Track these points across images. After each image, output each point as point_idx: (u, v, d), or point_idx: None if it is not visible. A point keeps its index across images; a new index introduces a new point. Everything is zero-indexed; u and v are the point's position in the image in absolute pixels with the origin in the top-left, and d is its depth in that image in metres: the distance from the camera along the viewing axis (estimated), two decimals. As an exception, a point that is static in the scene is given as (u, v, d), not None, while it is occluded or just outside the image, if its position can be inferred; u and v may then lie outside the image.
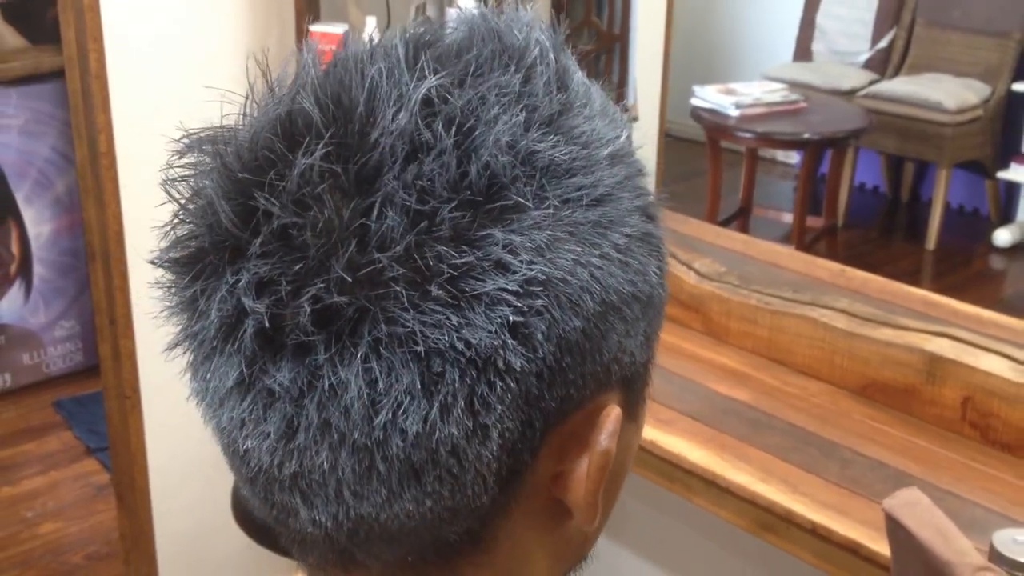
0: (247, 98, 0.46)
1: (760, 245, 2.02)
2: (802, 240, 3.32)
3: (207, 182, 0.43)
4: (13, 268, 3.27)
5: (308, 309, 0.39)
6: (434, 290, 0.40)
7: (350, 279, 0.39)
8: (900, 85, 3.97)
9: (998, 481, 1.41)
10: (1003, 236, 3.82)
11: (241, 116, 0.45)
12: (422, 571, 0.46)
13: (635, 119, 2.11)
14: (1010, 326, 1.61)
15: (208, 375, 0.43)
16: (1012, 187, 3.91)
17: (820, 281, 1.81)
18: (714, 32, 4.59)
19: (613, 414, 0.46)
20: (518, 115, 0.42)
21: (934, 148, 3.84)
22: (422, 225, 0.40)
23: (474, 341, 0.40)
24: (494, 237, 0.40)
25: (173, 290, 0.44)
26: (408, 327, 0.39)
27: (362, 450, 0.41)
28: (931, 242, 3.81)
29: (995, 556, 1.11)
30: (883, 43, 4.20)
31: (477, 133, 0.41)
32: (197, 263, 0.43)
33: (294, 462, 0.42)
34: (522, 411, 0.42)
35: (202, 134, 0.45)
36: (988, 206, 4.00)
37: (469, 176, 0.40)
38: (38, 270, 3.30)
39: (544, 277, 0.41)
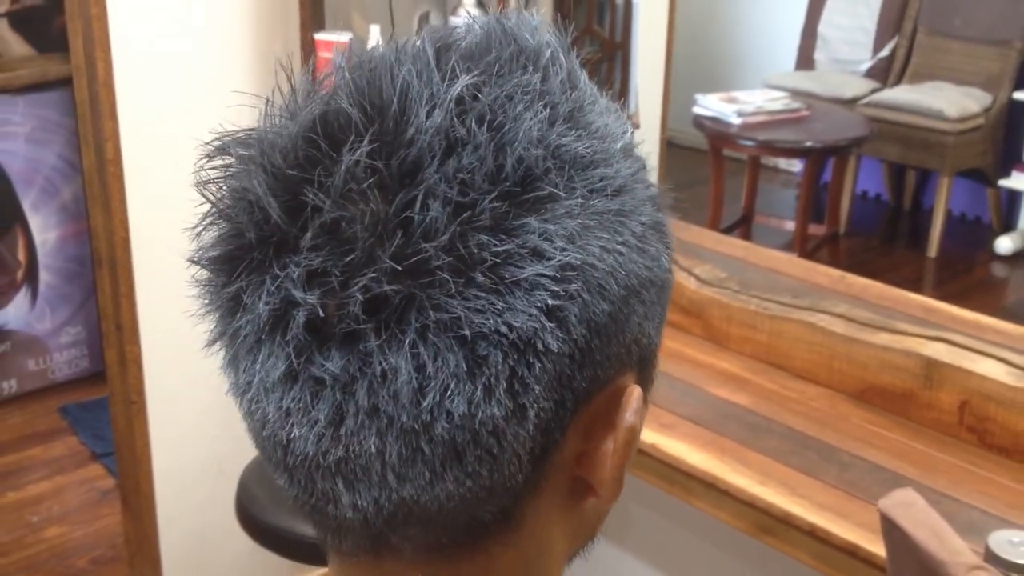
0: (268, 101, 0.47)
1: (760, 251, 2.04)
2: (804, 248, 3.33)
3: (253, 181, 0.44)
4: (19, 275, 3.29)
5: (360, 298, 0.41)
6: (478, 277, 0.42)
7: (399, 268, 0.41)
8: (902, 93, 3.98)
9: (994, 484, 1.42)
10: (1005, 244, 3.82)
11: (274, 118, 0.46)
12: (453, 552, 0.48)
13: (636, 127, 2.13)
14: (1007, 331, 1.62)
15: (252, 368, 0.44)
16: (1014, 195, 3.92)
17: (820, 287, 1.82)
18: (716, 41, 4.61)
19: (636, 392, 0.48)
20: (542, 112, 0.45)
21: (936, 156, 3.85)
22: (464, 215, 0.42)
23: (516, 324, 0.42)
24: (530, 225, 0.43)
25: (213, 287, 0.46)
26: (454, 313, 0.42)
27: (409, 433, 0.43)
28: (933, 250, 3.82)
29: (991, 557, 1.12)
30: (885, 52, 4.21)
31: (506, 128, 0.43)
32: (241, 259, 0.44)
33: (341, 448, 0.43)
34: (556, 391, 0.45)
35: (234, 136, 0.46)
36: (990, 214, 4.00)
37: (505, 169, 0.43)
38: (44, 277, 3.32)
39: (577, 263, 0.44)
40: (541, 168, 0.44)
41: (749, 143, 3.49)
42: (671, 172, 2.63)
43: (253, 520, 1.82)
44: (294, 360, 0.43)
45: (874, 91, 4.06)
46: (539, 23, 0.49)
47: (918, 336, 1.58)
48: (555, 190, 0.44)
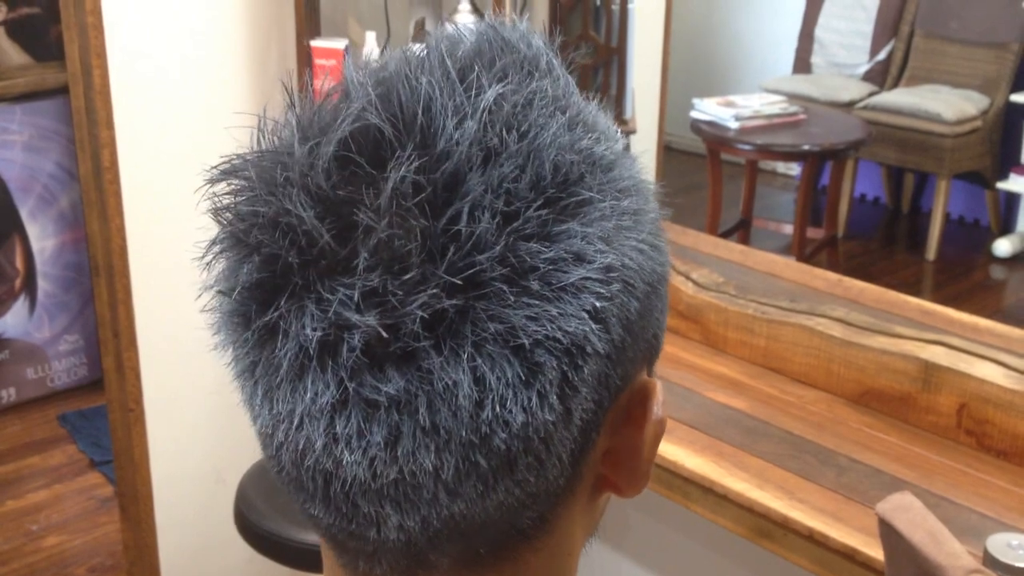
0: (285, 121, 0.46)
1: (758, 255, 2.04)
2: (802, 251, 3.33)
3: (295, 204, 0.42)
4: (17, 283, 3.29)
5: (419, 316, 0.41)
6: (532, 284, 0.42)
7: (458, 283, 0.41)
8: (899, 97, 3.99)
9: (993, 487, 1.42)
10: (1003, 246, 3.82)
11: (289, 137, 0.45)
12: (487, 562, 0.48)
13: (632, 132, 2.13)
14: (1005, 334, 1.62)
15: (294, 397, 0.43)
16: (1012, 197, 3.92)
17: (817, 291, 1.82)
18: (713, 45, 4.61)
19: (658, 385, 0.50)
20: (560, 117, 0.45)
21: (933, 159, 3.85)
22: (514, 225, 0.42)
23: (569, 329, 0.43)
24: (573, 230, 0.43)
25: (242, 318, 0.44)
26: (509, 322, 0.42)
27: (467, 447, 0.42)
28: (931, 253, 3.82)
29: (989, 561, 1.12)
30: (882, 55, 4.22)
31: (532, 135, 0.44)
32: (280, 286, 0.43)
33: (395, 470, 0.42)
34: (596, 392, 0.45)
35: (250, 158, 0.45)
36: (988, 217, 4.00)
37: (545, 175, 0.43)
38: (42, 285, 3.32)
39: (617, 264, 0.45)
40: (576, 173, 0.44)
41: (747, 147, 3.49)
42: (668, 177, 2.63)
43: (252, 528, 1.82)
44: (348, 384, 0.42)
45: (871, 94, 4.07)
46: (527, 28, 0.49)
47: (916, 339, 1.58)
48: (592, 193, 0.44)
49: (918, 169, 4.07)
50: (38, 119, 3.21)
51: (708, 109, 3.45)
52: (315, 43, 2.04)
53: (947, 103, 3.82)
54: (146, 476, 2.19)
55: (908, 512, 1.07)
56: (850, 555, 1.32)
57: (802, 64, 4.41)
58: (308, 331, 0.41)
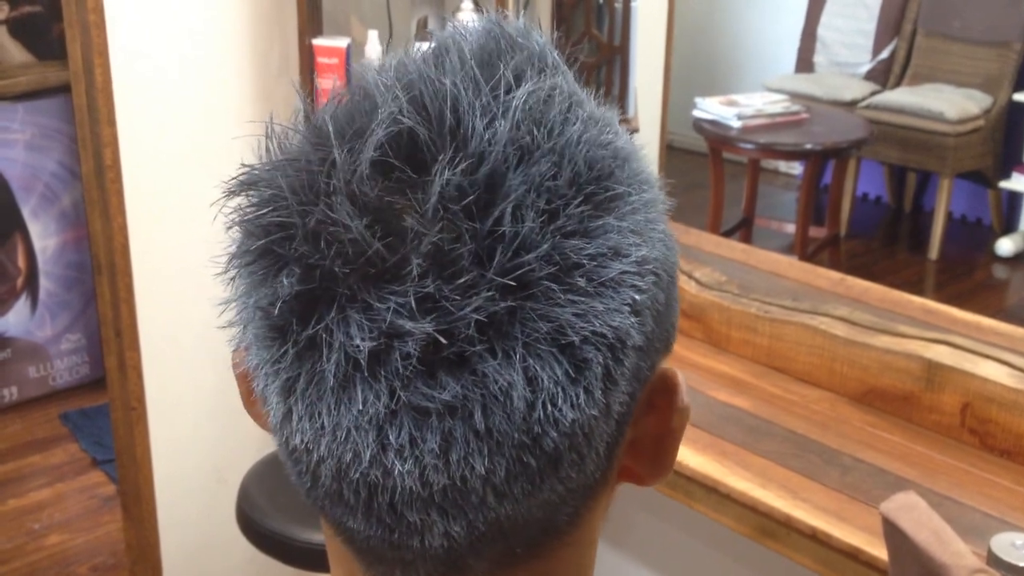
0: (267, 130, 0.46)
1: (760, 254, 2.03)
2: (805, 250, 3.33)
3: (342, 212, 0.41)
4: (20, 282, 3.29)
5: (473, 319, 0.40)
6: (579, 282, 0.42)
7: (512, 284, 0.41)
8: (901, 96, 3.99)
9: (997, 486, 1.42)
10: (1006, 245, 3.82)
11: (340, 146, 0.43)
12: (523, 561, 0.47)
13: (635, 131, 2.13)
14: (1009, 333, 1.61)
15: (339, 410, 0.42)
16: (1014, 197, 3.92)
17: (820, 290, 1.82)
18: (716, 44, 4.61)
19: (679, 374, 0.50)
20: (580, 112, 0.45)
21: (936, 158, 3.85)
22: (558, 223, 0.42)
23: (613, 324, 0.43)
24: (609, 225, 0.43)
25: (280, 334, 0.43)
26: (557, 320, 0.41)
27: (519, 448, 0.42)
28: (934, 252, 3.82)
29: (993, 560, 1.11)
30: (884, 54, 4.21)
31: (558, 132, 0.44)
32: (322, 298, 0.42)
33: (446, 476, 0.42)
34: (631, 384, 0.46)
35: (264, 169, 0.44)
36: (990, 216, 4.00)
37: (581, 172, 0.43)
38: (44, 284, 3.32)
39: (651, 256, 0.45)
40: (608, 168, 0.44)
41: (749, 146, 3.48)
42: (671, 175, 2.62)
43: (254, 526, 1.82)
44: (400, 393, 0.41)
45: (874, 93, 4.06)
46: (529, 25, 0.49)
47: (919, 339, 1.58)
48: (624, 187, 0.45)
49: (920, 168, 4.07)
50: (40, 118, 3.21)
51: (710, 108, 3.45)
52: (317, 42, 2.04)
53: (950, 102, 3.82)
54: (148, 475, 2.19)
55: (912, 511, 1.07)
56: (854, 554, 1.31)
57: (804, 63, 4.40)
58: (357, 341, 0.41)
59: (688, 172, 3.76)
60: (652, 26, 2.22)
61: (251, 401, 0.51)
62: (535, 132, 0.43)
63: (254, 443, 2.25)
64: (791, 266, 2.00)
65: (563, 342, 0.42)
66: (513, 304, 0.41)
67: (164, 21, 2.02)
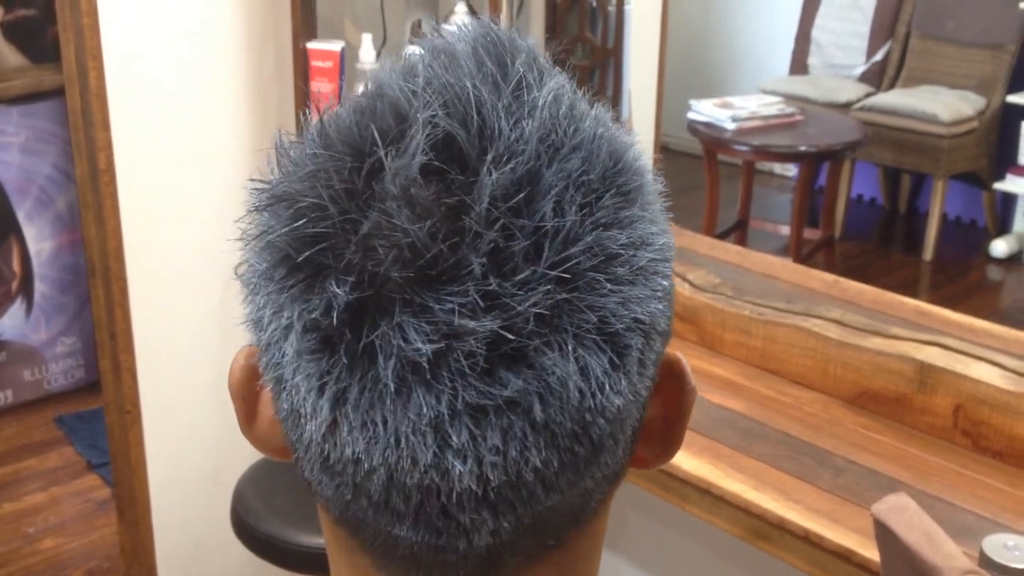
0: (278, 141, 0.46)
1: (754, 257, 2.04)
2: (799, 252, 3.33)
3: (401, 217, 0.41)
4: (14, 285, 3.29)
5: (531, 314, 0.41)
6: (619, 271, 0.43)
7: (566, 276, 0.42)
8: (896, 97, 3.99)
9: (989, 488, 1.42)
10: (1000, 247, 3.82)
11: (387, 153, 0.43)
12: (550, 553, 0.48)
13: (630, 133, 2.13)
14: (1001, 335, 1.62)
15: (396, 415, 0.42)
16: (1008, 198, 3.93)
17: (814, 292, 1.82)
18: (710, 46, 4.61)
19: (683, 357, 0.51)
20: (587, 108, 0.46)
21: (930, 160, 3.85)
22: (596, 216, 0.43)
23: (649, 310, 0.44)
24: (636, 215, 0.44)
25: (326, 348, 0.42)
26: (604, 310, 0.42)
27: (570, 438, 0.43)
28: (928, 253, 3.82)
29: (985, 561, 1.12)
30: (878, 56, 4.22)
31: (576, 129, 0.44)
32: (373, 305, 0.41)
33: (503, 473, 0.42)
34: (652, 368, 0.47)
35: (292, 181, 0.44)
36: (985, 217, 4.01)
37: (608, 165, 0.44)
38: (39, 287, 3.32)
39: (667, 244, 0.46)
40: (627, 160, 0.45)
41: (744, 148, 3.49)
42: (666, 177, 2.63)
43: (249, 529, 1.82)
44: (462, 393, 0.41)
45: (868, 95, 4.07)
46: (516, 28, 0.49)
47: (912, 340, 1.58)
48: (643, 179, 0.46)
49: (915, 170, 4.07)
50: (35, 121, 3.21)
51: (705, 110, 3.46)
52: (311, 45, 2.04)
53: (944, 104, 3.83)
54: (143, 478, 2.19)
55: (904, 513, 1.08)
56: (846, 556, 1.32)
57: (799, 65, 4.41)
58: (418, 344, 0.40)
59: (683, 174, 3.76)
60: (646, 29, 2.23)
61: (250, 423, 0.51)
62: (558, 130, 0.44)
63: (249, 446, 2.25)
64: (784, 268, 2.00)
65: (608, 331, 0.43)
66: (565, 296, 0.42)
67: (158, 25, 2.02)
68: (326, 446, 0.43)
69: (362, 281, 0.41)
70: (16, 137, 3.19)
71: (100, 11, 1.92)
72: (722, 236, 3.31)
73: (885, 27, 4.20)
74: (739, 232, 3.53)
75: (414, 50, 0.47)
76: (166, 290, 2.15)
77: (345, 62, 2.06)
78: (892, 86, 4.14)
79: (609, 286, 0.43)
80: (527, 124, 0.43)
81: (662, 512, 1.74)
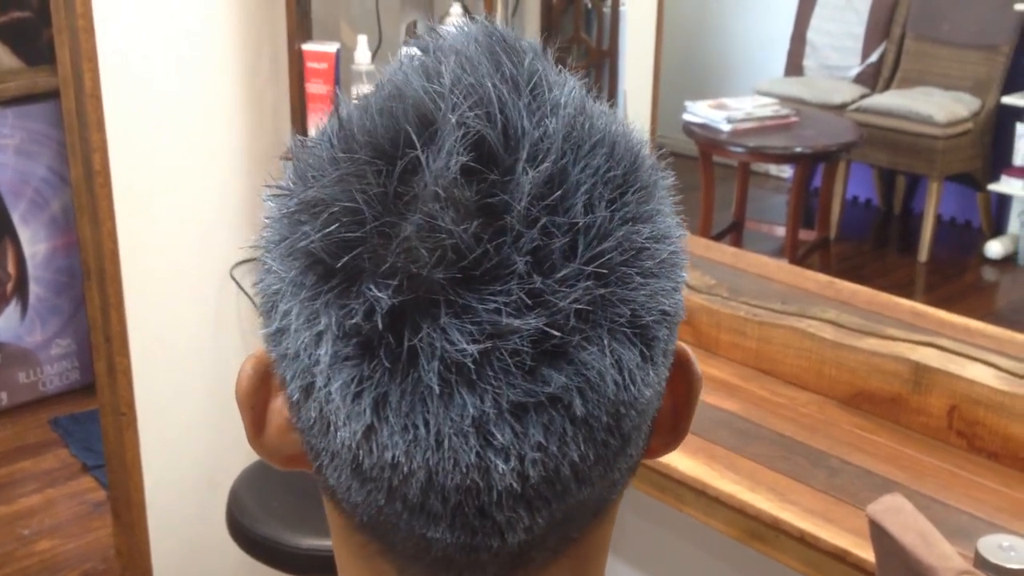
0: (295, 148, 0.45)
1: (750, 258, 2.04)
2: (795, 253, 3.34)
3: (446, 218, 0.41)
4: (9, 287, 3.28)
5: (572, 310, 0.41)
6: (647, 264, 0.44)
7: (603, 271, 0.42)
8: (891, 99, 4.00)
9: (984, 488, 1.43)
10: (995, 248, 3.83)
11: (424, 153, 0.42)
12: (571, 546, 0.48)
13: (625, 134, 2.13)
14: (996, 335, 1.62)
15: (438, 418, 0.41)
16: (1003, 199, 3.93)
17: (809, 293, 1.83)
18: (705, 48, 4.62)
19: (688, 347, 0.51)
20: (597, 105, 0.46)
21: (925, 161, 3.86)
22: (622, 211, 0.43)
23: (673, 302, 0.45)
24: (655, 209, 0.45)
25: (364, 353, 0.42)
26: (634, 303, 0.43)
27: (605, 431, 0.43)
28: (923, 254, 3.83)
29: (980, 562, 1.12)
30: (873, 57, 4.23)
31: (591, 125, 0.45)
32: (414, 308, 0.41)
33: (542, 468, 0.42)
34: (672, 357, 0.48)
35: (322, 187, 0.43)
36: (980, 218, 4.01)
37: (629, 161, 0.45)
38: (34, 289, 3.31)
39: (681, 236, 0.47)
40: (642, 155, 0.46)
41: (739, 149, 3.49)
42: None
43: (244, 531, 1.82)
44: (506, 392, 0.41)
45: (863, 96, 4.08)
46: (515, 28, 0.49)
47: (907, 341, 1.58)
48: (658, 174, 0.46)
49: (910, 171, 4.08)
50: (29, 123, 3.21)
51: (700, 111, 3.46)
52: (307, 47, 2.04)
53: (938, 105, 3.83)
54: (138, 480, 2.19)
55: (899, 513, 1.08)
56: (841, 556, 1.32)
57: (794, 66, 4.42)
58: (463, 345, 0.40)
59: (678, 175, 3.73)
60: (641, 30, 2.23)
61: (259, 432, 0.51)
62: (577, 127, 0.44)
63: (245, 447, 2.24)
64: (780, 269, 2.00)
65: (639, 324, 0.43)
66: (602, 292, 0.42)
67: (153, 26, 2.02)
68: (360, 452, 0.43)
69: (404, 284, 0.41)
70: (11, 139, 3.18)
71: (95, 13, 1.92)
72: (717, 237, 3.31)
73: (880, 28, 4.21)
74: (734, 233, 3.53)
75: (412, 51, 0.47)
76: (161, 292, 2.15)
77: (340, 63, 2.06)
78: (887, 87, 4.15)
79: (639, 280, 0.43)
80: (550, 122, 0.43)
81: (658, 513, 1.74)
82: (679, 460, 1.51)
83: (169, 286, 2.16)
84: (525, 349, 0.41)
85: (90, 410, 3.13)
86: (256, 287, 0.47)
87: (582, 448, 0.43)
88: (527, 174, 0.41)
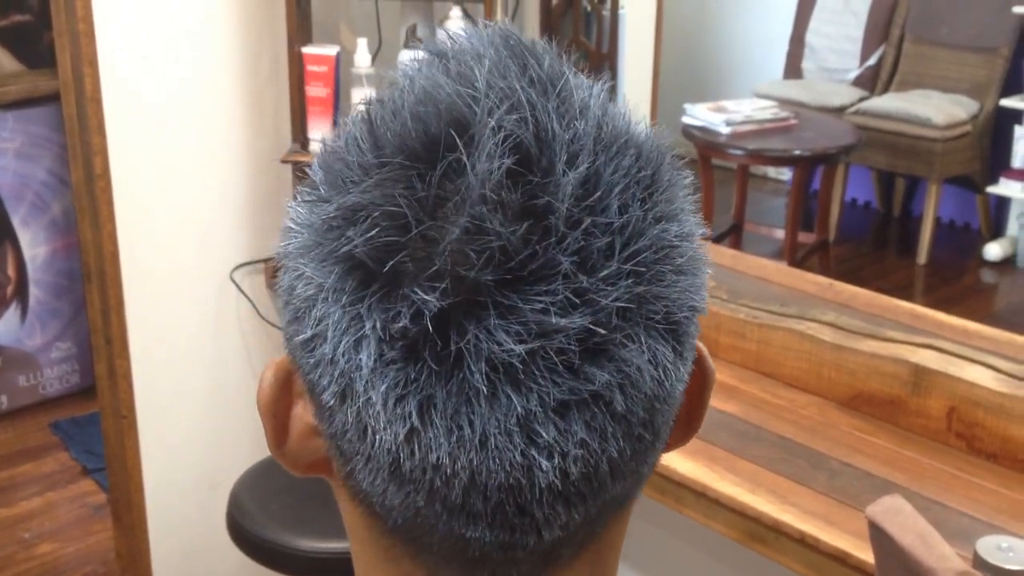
0: (325, 154, 0.46)
1: (749, 260, 2.04)
2: (794, 256, 3.34)
3: (494, 221, 0.41)
4: (9, 290, 3.29)
5: (614, 308, 0.42)
6: (678, 262, 0.45)
7: (640, 270, 0.43)
8: (889, 101, 4.00)
9: (983, 490, 1.43)
10: (993, 250, 3.84)
11: (468, 155, 0.42)
12: (597, 540, 0.49)
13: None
14: (995, 337, 1.62)
15: (484, 419, 0.42)
16: (1002, 202, 3.94)
17: (808, 295, 1.83)
18: (704, 50, 4.63)
19: (700, 342, 0.51)
20: (613, 106, 0.47)
21: (924, 163, 3.86)
22: (654, 210, 0.44)
23: (700, 297, 0.46)
24: (679, 207, 0.46)
25: (410, 356, 0.42)
26: (668, 300, 0.44)
27: (641, 426, 0.44)
28: (923, 256, 3.83)
29: (979, 563, 1.12)
30: (872, 60, 4.23)
31: (613, 127, 0.45)
32: (461, 310, 0.41)
33: (582, 465, 0.43)
34: (694, 352, 0.48)
35: (364, 191, 0.43)
36: (978, 220, 4.02)
37: (653, 161, 0.45)
38: (34, 292, 3.32)
39: (705, 233, 0.48)
40: (664, 155, 0.46)
41: (738, 152, 3.50)
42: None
43: (245, 534, 1.82)
44: (551, 391, 0.41)
45: (862, 99, 4.08)
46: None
47: (906, 343, 1.59)
48: (680, 173, 0.47)
49: (909, 174, 4.08)
50: (30, 126, 3.21)
51: (699, 114, 3.47)
52: (307, 50, 2.05)
53: (937, 108, 3.84)
54: (139, 483, 2.19)
55: (898, 515, 1.08)
56: (842, 558, 1.32)
57: (793, 69, 4.42)
58: (511, 345, 0.41)
59: (677, 178, 3.77)
60: (640, 33, 2.23)
61: (282, 441, 0.50)
62: (604, 128, 0.44)
63: (245, 450, 2.25)
64: (779, 271, 2.01)
65: (672, 320, 0.44)
66: (640, 289, 0.43)
67: (153, 30, 2.03)
68: (401, 454, 0.43)
69: (450, 286, 0.41)
70: (11, 143, 3.19)
71: (96, 17, 1.92)
72: (717, 240, 3.32)
73: (879, 31, 4.21)
74: (734, 236, 3.54)
75: (419, 54, 0.47)
76: (161, 294, 2.15)
77: (340, 66, 2.06)
78: (886, 90, 4.15)
79: (672, 277, 0.44)
80: (579, 124, 0.43)
81: (658, 515, 1.74)
82: (679, 462, 1.51)
83: (169, 288, 2.16)
84: (572, 347, 0.41)
85: (90, 413, 3.13)
86: (283, 293, 0.46)
87: (620, 443, 0.43)
88: (566, 175, 0.42)
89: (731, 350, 1.78)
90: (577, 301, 0.41)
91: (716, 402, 1.65)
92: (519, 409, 0.41)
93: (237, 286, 2.24)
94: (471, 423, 0.42)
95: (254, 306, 2.26)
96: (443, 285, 0.41)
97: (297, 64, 2.05)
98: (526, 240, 0.41)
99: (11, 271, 3.27)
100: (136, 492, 2.19)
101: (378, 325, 0.42)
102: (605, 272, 0.42)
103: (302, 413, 0.49)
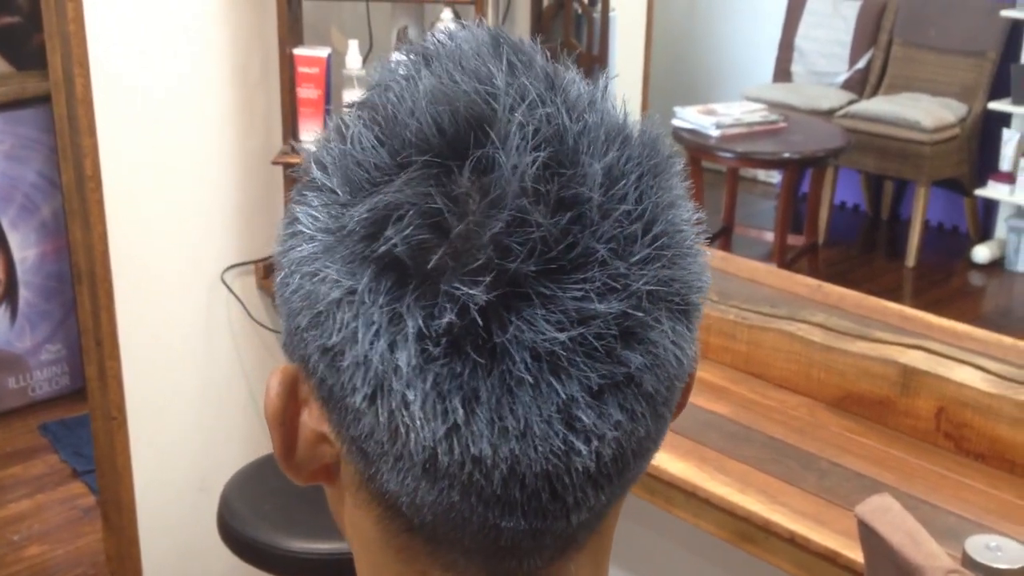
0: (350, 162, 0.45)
1: (739, 262, 2.05)
2: (783, 258, 3.35)
3: (536, 214, 0.42)
4: (-1, 292, 3.28)
5: (645, 291, 0.43)
6: (689, 245, 0.46)
7: (663, 254, 0.44)
8: (878, 105, 4.02)
9: (971, 490, 1.44)
10: (982, 253, 3.85)
11: (505, 151, 0.43)
12: (603, 521, 0.49)
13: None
14: (984, 339, 1.63)
15: (527, 408, 0.42)
16: (990, 204, 3.96)
17: (798, 297, 1.83)
18: (694, 53, 4.63)
19: None
20: (608, 99, 0.48)
21: (912, 166, 3.88)
22: (665, 197, 0.45)
23: (707, 278, 0.47)
24: (680, 194, 0.47)
25: (454, 352, 0.42)
26: (682, 281, 0.45)
27: (663, 404, 0.46)
28: (911, 259, 3.85)
29: (968, 562, 1.13)
30: (861, 63, 4.25)
31: (613, 117, 0.46)
32: (502, 303, 0.41)
33: (616, 447, 0.44)
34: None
35: (398, 191, 0.43)
36: (967, 223, 4.03)
37: (657, 149, 0.46)
38: (24, 294, 3.31)
39: (700, 216, 0.49)
40: (662, 143, 0.47)
41: (728, 155, 3.51)
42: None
43: (235, 535, 1.82)
44: (590, 375, 0.42)
45: (851, 102, 4.10)
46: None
47: (895, 344, 1.59)
48: (675, 159, 0.48)
49: (897, 176, 4.10)
50: (19, 128, 3.20)
51: (689, 117, 3.47)
52: (298, 51, 2.05)
53: (926, 111, 3.85)
54: (129, 484, 2.19)
55: (887, 514, 1.09)
56: (831, 558, 1.33)
57: (782, 72, 4.43)
58: (553, 333, 0.41)
59: (667, 181, 3.77)
60: (631, 35, 2.24)
61: (291, 450, 0.50)
62: (608, 120, 0.45)
63: (235, 451, 2.25)
64: (769, 273, 2.01)
65: (687, 300, 0.46)
66: (665, 273, 0.44)
67: (144, 31, 2.03)
68: (439, 451, 0.43)
69: (495, 279, 0.41)
70: (1, 144, 3.18)
71: (86, 18, 1.92)
72: (707, 242, 3.33)
73: (867, 35, 4.23)
74: (724, 238, 3.55)
75: (398, 57, 0.47)
76: (152, 296, 2.15)
77: (331, 68, 2.06)
78: (875, 93, 4.17)
79: (685, 259, 0.45)
80: (588, 117, 0.44)
81: (648, 515, 1.74)
82: (669, 462, 1.51)
83: (160, 290, 2.16)
84: (611, 332, 0.42)
85: (80, 415, 3.13)
86: (297, 299, 0.45)
87: (648, 423, 0.45)
88: (592, 167, 0.43)
89: (721, 351, 1.78)
90: (616, 286, 0.42)
91: (706, 402, 1.66)
92: (561, 396, 0.42)
93: (228, 287, 2.23)
94: (513, 413, 0.42)
95: (245, 307, 2.26)
96: (486, 279, 0.41)
97: (288, 66, 2.06)
98: (566, 230, 0.42)
99: (0, 273, 3.26)
100: (126, 493, 2.19)
101: (421, 322, 0.41)
102: (636, 257, 0.43)
103: (307, 420, 0.48)
